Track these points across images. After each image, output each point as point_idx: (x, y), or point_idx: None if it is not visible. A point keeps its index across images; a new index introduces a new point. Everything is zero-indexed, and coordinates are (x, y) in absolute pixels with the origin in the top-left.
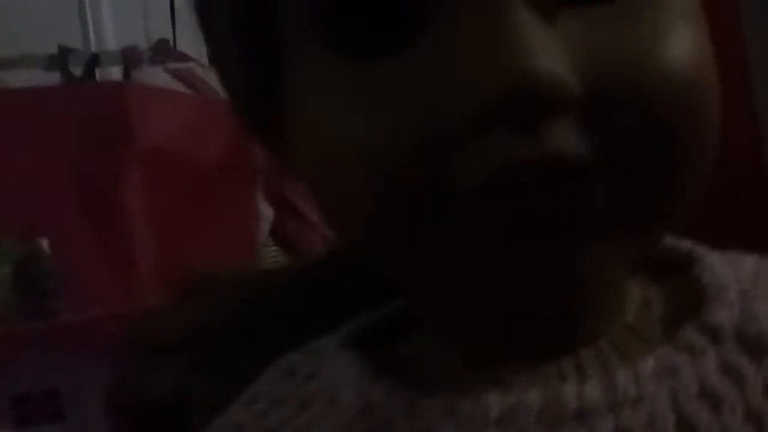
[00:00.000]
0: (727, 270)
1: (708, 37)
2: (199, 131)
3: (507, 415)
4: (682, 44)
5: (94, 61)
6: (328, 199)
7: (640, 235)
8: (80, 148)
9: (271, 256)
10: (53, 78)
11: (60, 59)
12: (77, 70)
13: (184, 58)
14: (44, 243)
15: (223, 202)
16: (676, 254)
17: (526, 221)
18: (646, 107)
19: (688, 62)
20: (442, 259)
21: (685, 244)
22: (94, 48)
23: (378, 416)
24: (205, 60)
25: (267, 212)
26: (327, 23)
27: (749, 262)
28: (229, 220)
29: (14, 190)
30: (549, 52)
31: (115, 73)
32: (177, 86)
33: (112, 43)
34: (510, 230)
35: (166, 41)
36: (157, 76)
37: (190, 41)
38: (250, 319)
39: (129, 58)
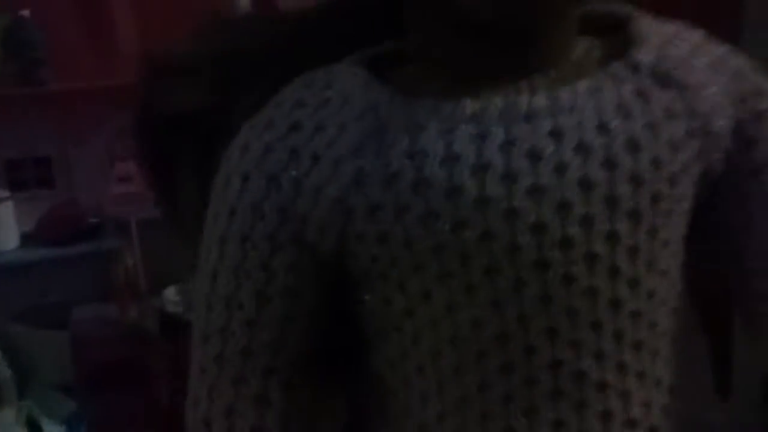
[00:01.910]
0: (653, 26)
1: None
2: None
3: (477, 114)
4: None
5: None
6: None
7: None
8: None
9: None
10: None
11: None
12: None
13: None
14: (26, 13)
15: None
16: (618, 16)
17: None
18: None
19: None
20: None
21: (627, 9)
22: None
23: (381, 113)
24: None
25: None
26: None
27: (673, 24)
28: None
29: None
30: None
31: None
32: None
33: None
34: None
35: None
36: None
37: None
38: (267, 47)
39: None
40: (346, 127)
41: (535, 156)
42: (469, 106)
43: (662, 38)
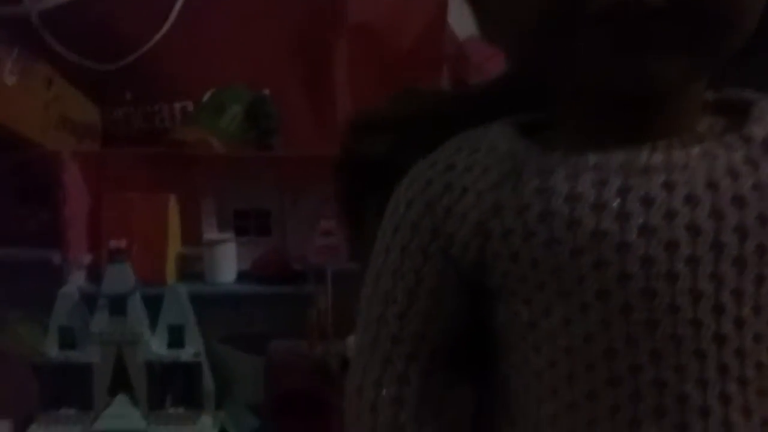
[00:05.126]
0: None
1: None
2: (402, 15)
3: (599, 164)
4: None
5: None
6: (509, 31)
7: (693, 56)
8: (301, 18)
9: None
10: None
11: None
12: None
13: None
14: (267, 92)
15: (413, 79)
16: (747, 100)
17: (623, 37)
18: None
19: None
20: (574, 59)
21: (755, 95)
22: None
23: (519, 158)
24: None
25: None
26: None
27: None
28: None
29: (246, 49)
30: None
31: None
32: None
33: None
34: (613, 43)
35: None
36: None
37: None
38: (438, 113)
39: None
40: (489, 168)
41: (647, 202)
42: (592, 158)
43: None
